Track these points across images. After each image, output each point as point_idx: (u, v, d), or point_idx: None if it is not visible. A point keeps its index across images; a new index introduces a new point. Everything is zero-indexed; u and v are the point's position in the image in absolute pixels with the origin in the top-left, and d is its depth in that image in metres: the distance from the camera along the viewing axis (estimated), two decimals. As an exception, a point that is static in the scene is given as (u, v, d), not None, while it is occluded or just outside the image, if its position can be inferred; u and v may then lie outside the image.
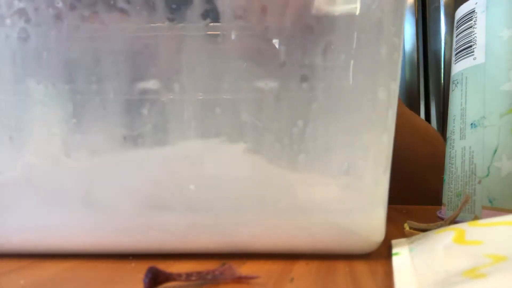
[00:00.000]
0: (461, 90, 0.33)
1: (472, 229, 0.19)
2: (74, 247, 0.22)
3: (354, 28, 0.20)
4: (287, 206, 0.21)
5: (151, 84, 0.21)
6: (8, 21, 0.21)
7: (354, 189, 0.21)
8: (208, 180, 0.21)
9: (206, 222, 0.21)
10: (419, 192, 0.51)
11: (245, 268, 0.20)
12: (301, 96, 0.21)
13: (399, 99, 0.63)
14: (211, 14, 0.20)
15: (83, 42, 0.21)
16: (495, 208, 0.29)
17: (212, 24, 0.20)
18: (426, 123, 0.60)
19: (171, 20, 0.20)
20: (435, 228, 0.24)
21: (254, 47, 0.21)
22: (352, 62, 0.20)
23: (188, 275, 0.17)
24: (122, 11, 0.20)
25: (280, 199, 0.21)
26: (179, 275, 0.17)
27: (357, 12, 0.20)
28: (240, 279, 0.18)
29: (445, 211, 0.34)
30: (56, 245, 0.22)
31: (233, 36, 0.20)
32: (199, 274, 0.17)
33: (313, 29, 0.20)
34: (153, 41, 0.21)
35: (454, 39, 0.34)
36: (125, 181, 0.21)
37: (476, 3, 0.31)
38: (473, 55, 0.31)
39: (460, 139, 0.32)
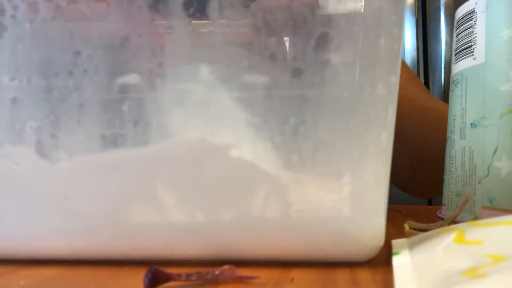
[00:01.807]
0: (461, 90, 0.33)
1: (472, 229, 0.19)
2: (54, 253, 0.21)
3: (351, 17, 0.19)
4: (279, 211, 0.20)
5: (132, 79, 0.20)
6: None
7: (351, 192, 0.19)
8: (193, 182, 0.20)
9: (192, 227, 0.20)
10: (428, 183, 0.49)
11: (245, 268, 0.20)
12: (293, 91, 0.19)
13: (416, 77, 0.60)
14: (195, 4, 0.19)
15: (60, 34, 0.20)
16: (495, 208, 0.29)
17: (197, 14, 0.19)
18: (441, 104, 0.53)
19: (153, 10, 0.19)
20: (435, 228, 0.24)
21: (243, 39, 0.19)
22: (348, 54, 0.19)
23: (188, 275, 0.17)
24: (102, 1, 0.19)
25: (272, 203, 0.20)
26: (179, 275, 0.17)
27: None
28: (240, 279, 0.18)
29: (445, 211, 0.34)
30: (35, 251, 0.21)
31: (219, 27, 0.19)
32: (199, 274, 0.17)
33: (306, 20, 0.19)
34: (134, 34, 0.19)
35: (454, 39, 0.34)
36: (104, 182, 0.20)
37: (476, 3, 0.31)
38: (473, 55, 0.31)
39: (460, 139, 0.32)
